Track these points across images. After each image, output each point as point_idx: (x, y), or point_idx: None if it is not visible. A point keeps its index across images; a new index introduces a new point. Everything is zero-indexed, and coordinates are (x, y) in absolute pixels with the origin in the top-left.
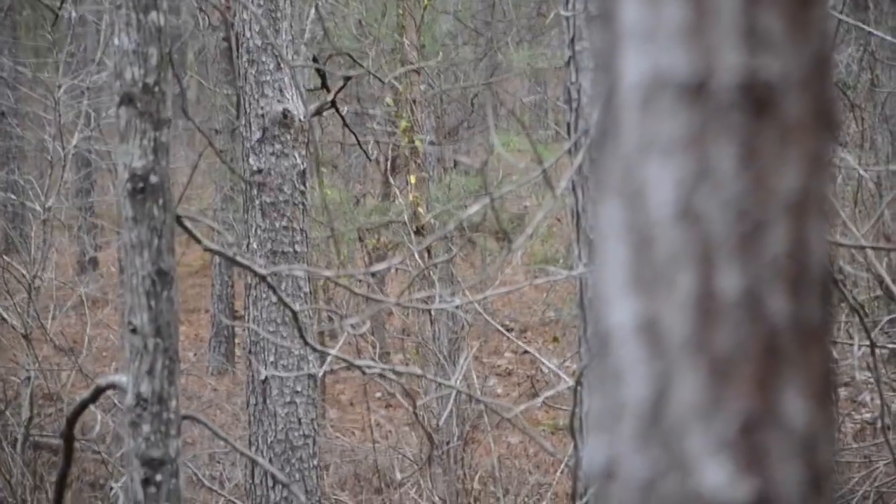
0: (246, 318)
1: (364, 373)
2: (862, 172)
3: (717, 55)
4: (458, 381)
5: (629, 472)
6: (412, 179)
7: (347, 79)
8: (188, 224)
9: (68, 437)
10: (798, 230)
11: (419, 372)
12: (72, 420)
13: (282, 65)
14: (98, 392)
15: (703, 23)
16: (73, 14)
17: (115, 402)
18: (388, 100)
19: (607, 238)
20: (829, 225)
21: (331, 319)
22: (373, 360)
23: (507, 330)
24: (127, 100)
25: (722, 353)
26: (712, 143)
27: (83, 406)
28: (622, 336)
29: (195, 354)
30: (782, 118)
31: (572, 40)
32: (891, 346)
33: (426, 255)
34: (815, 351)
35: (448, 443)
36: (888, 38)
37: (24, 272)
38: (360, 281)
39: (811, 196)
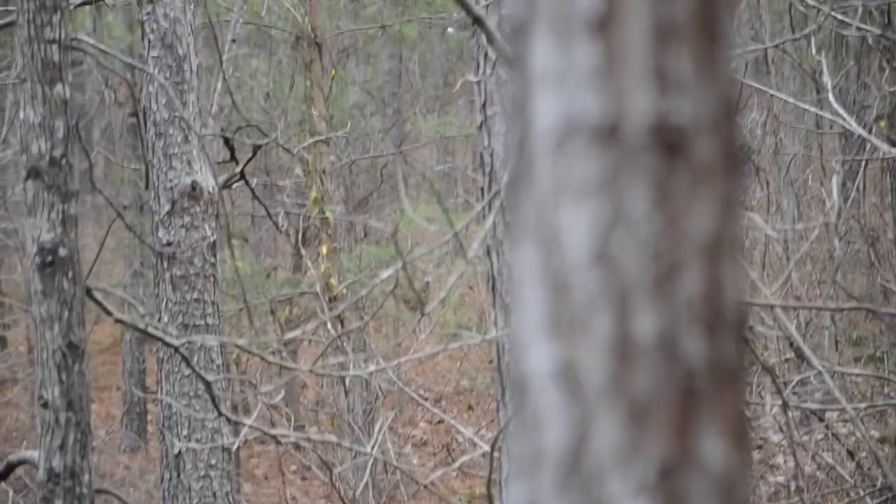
0: (159, 392)
1: (279, 442)
2: (769, 232)
3: (628, 98)
4: (374, 449)
5: None
6: (323, 250)
7: (257, 149)
8: (99, 297)
9: None
10: (712, 271)
11: (335, 439)
12: None
13: (189, 137)
14: (9, 468)
15: (613, 66)
16: None
17: (27, 481)
18: (298, 171)
19: (524, 283)
20: (742, 267)
21: (243, 392)
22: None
23: (422, 399)
24: (34, 173)
25: (640, 396)
26: (626, 187)
27: None
28: (540, 382)
29: (107, 433)
30: (694, 160)
31: (483, 105)
32: (803, 406)
33: (339, 325)
34: (731, 392)
35: None
36: (791, 101)
37: None
38: (272, 353)
39: (724, 237)
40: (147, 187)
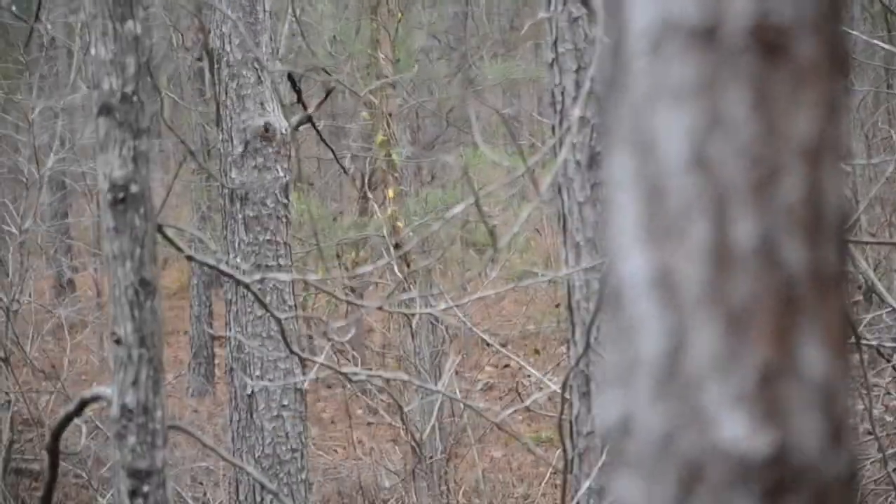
0: (227, 333)
1: (350, 381)
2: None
3: None
4: (443, 388)
5: (645, 427)
6: (390, 194)
7: (328, 92)
8: (170, 234)
9: (53, 451)
10: (813, 176)
11: (405, 377)
12: (57, 433)
13: (262, 78)
14: (83, 404)
15: None
16: (46, 35)
17: (97, 424)
18: (365, 114)
19: (618, 189)
20: (845, 172)
21: (311, 336)
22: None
23: (488, 343)
24: (105, 110)
25: (738, 303)
26: (724, 89)
27: (68, 419)
28: (635, 289)
29: (175, 377)
30: (795, 62)
31: (555, 42)
32: (877, 344)
33: (405, 267)
34: (833, 300)
35: (432, 457)
36: (863, 37)
37: (2, 296)
38: (338, 298)
39: (826, 141)
40: (218, 126)
